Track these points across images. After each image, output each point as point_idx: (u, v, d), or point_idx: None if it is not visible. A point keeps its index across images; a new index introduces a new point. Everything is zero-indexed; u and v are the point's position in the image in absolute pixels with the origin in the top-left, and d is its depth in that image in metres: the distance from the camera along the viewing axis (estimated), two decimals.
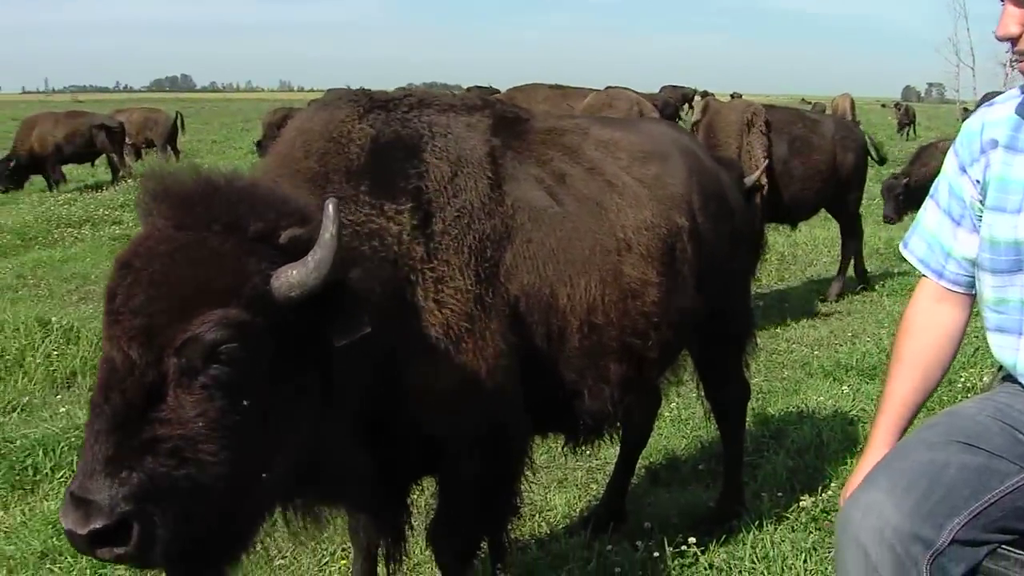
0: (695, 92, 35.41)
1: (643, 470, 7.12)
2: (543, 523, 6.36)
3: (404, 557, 4.87)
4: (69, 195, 23.68)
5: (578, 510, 6.61)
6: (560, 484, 7.07)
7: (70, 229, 18.20)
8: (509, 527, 4.87)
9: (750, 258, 6.40)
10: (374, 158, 4.16)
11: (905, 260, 3.91)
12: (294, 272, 3.14)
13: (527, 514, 6.37)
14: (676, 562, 5.47)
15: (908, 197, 15.55)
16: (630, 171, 5.08)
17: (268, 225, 3.27)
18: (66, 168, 27.79)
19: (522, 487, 4.82)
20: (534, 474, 6.91)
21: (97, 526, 2.84)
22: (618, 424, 5.50)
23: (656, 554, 5.50)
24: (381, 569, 5.14)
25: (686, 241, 5.13)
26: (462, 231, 4.28)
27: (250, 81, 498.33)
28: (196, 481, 3.01)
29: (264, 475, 3.26)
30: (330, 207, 3.14)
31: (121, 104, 44.03)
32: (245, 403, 3.11)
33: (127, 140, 29.78)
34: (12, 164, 25.75)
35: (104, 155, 28.16)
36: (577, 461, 7.14)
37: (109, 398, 2.98)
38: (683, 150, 5.53)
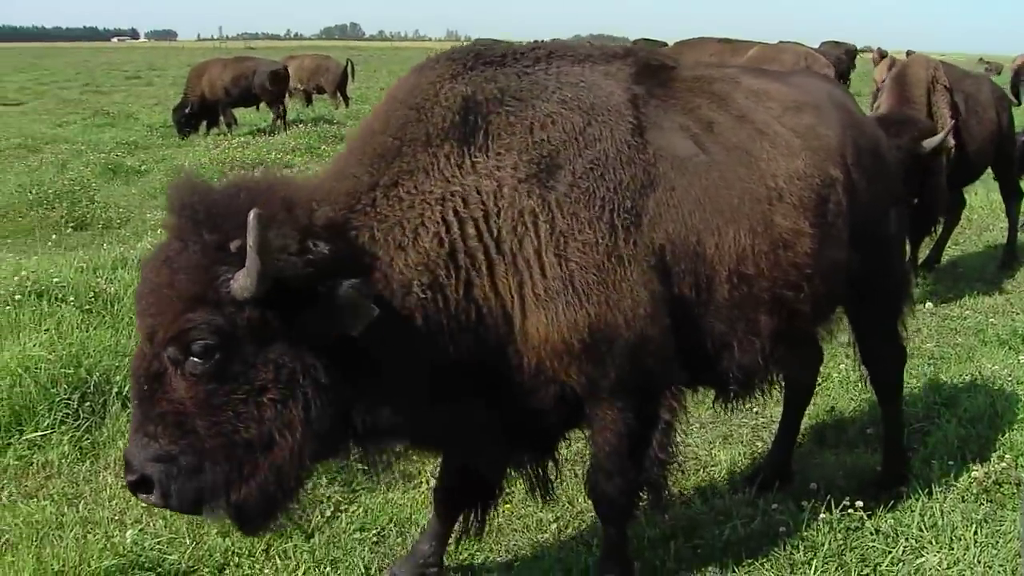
0: (856, 49, 33.58)
1: (809, 430, 7.06)
2: (707, 478, 6.37)
3: (550, 495, 5.08)
4: (243, 138, 24.43)
5: (742, 467, 6.59)
6: (725, 440, 7.06)
7: (243, 171, 18.62)
8: (666, 477, 4.83)
9: (904, 220, 6.09)
10: (465, 117, 4.24)
11: None
12: (239, 278, 3.60)
13: (691, 469, 6.41)
14: (841, 525, 5.40)
15: None
16: (782, 120, 4.99)
17: (221, 236, 3.70)
18: (241, 113, 28.58)
19: (676, 437, 4.78)
20: (700, 428, 7.01)
21: (131, 479, 3.81)
22: (772, 380, 5.44)
23: (821, 516, 5.45)
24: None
25: (840, 193, 5.03)
26: (594, 183, 4.28)
27: (417, 30, 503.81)
28: (196, 448, 3.76)
29: (275, 440, 3.82)
30: (251, 219, 3.45)
31: (291, 51, 44.89)
32: (229, 384, 3.74)
33: (299, 86, 30.42)
34: (187, 111, 26.61)
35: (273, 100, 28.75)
36: (743, 418, 7.12)
37: (137, 380, 3.83)
38: (837, 103, 5.42)
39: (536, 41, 4.87)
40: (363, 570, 5.28)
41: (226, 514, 3.93)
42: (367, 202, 4.10)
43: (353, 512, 5.86)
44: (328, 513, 5.80)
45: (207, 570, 5.26)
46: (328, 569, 5.27)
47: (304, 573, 5.19)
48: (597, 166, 4.31)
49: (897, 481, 6.05)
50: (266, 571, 5.25)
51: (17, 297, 8.58)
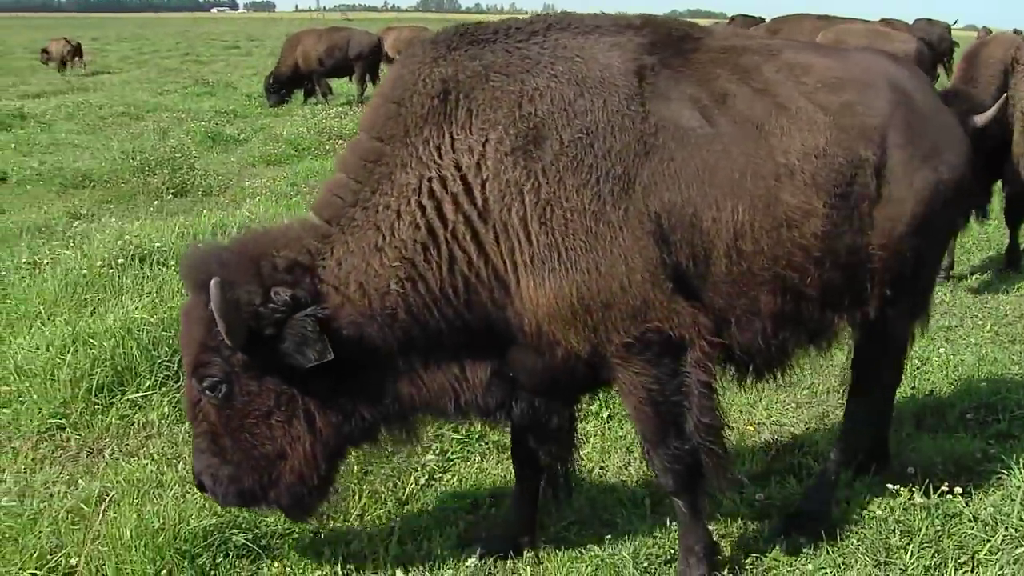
0: (949, 27, 31.96)
1: (908, 414, 6.94)
2: (803, 458, 6.28)
3: (570, 469, 5.24)
4: (340, 108, 24.67)
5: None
6: (821, 419, 6.97)
7: (340, 141, 18.81)
8: (718, 444, 4.71)
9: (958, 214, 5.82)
10: (445, 98, 4.41)
11: None
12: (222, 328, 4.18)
13: (786, 448, 6.35)
14: (939, 511, 5.30)
15: None
16: (813, 96, 4.80)
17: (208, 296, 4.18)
18: (337, 84, 28.82)
19: (718, 400, 4.73)
20: (795, 408, 6.91)
21: (196, 482, 4.72)
22: (780, 363, 5.10)
23: (918, 500, 5.35)
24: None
25: (869, 176, 4.80)
26: (582, 151, 4.34)
27: (513, 3, 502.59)
28: (229, 460, 4.56)
29: (287, 451, 4.51)
30: (211, 287, 4.04)
31: (388, 23, 45.18)
32: (240, 410, 4.47)
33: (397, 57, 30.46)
34: (275, 80, 26.96)
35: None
36: (840, 400, 7.03)
37: (186, 405, 4.72)
38: (892, 83, 5.08)
39: (538, 14, 4.93)
40: (456, 538, 5.33)
41: (269, 509, 4.78)
42: (346, 220, 4.45)
43: (447, 480, 5.92)
44: (423, 481, 5.85)
45: (302, 533, 5.36)
46: (421, 536, 5.32)
47: (397, 540, 5.24)
48: (586, 135, 4.37)
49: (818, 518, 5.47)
50: (359, 537, 5.31)
51: (120, 261, 8.79)
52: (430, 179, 4.36)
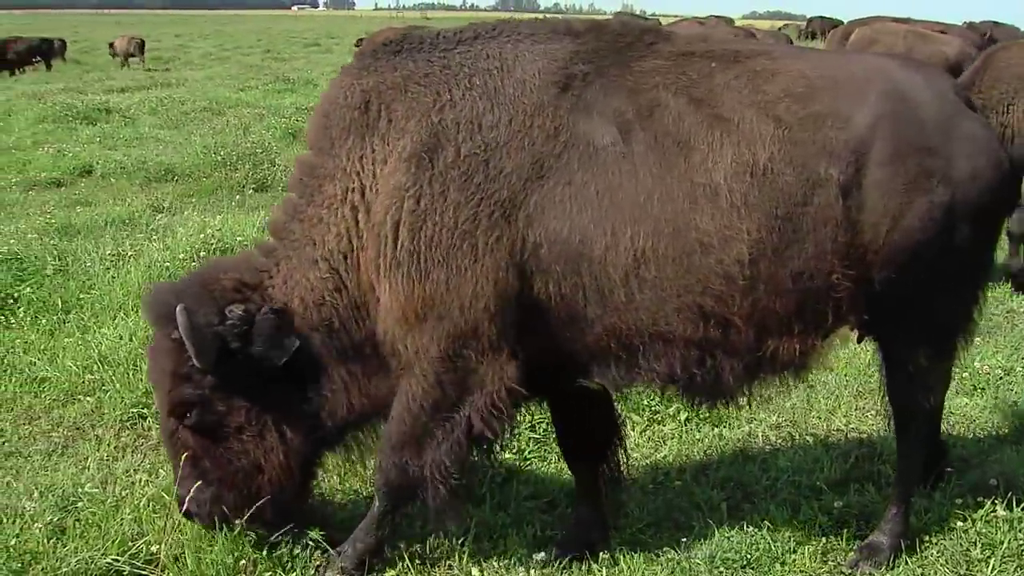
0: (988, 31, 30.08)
1: (990, 425, 6.82)
2: (884, 466, 6.15)
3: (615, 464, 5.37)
4: None
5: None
6: None
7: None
8: (439, 478, 4.69)
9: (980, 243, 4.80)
10: (367, 110, 4.58)
11: None
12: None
13: (865, 456, 6.26)
14: (1022, 524, 5.18)
15: None
16: (770, 106, 4.44)
17: (173, 327, 4.50)
18: None
19: (469, 448, 4.72)
20: (875, 415, 6.80)
21: (182, 511, 4.82)
22: (720, 389, 4.74)
23: (1001, 513, 5.25)
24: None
25: (833, 197, 4.36)
26: (474, 168, 4.34)
27: (592, 3, 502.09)
28: (209, 480, 4.77)
29: (263, 464, 4.76)
30: (177, 315, 4.36)
31: (467, 21, 45.29)
32: (215, 431, 4.72)
33: None
34: None
35: None
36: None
37: (163, 437, 5.01)
38: (887, 92, 4.53)
39: (476, 23, 4.95)
40: (532, 537, 5.32)
41: (254, 522, 4.85)
42: (287, 234, 4.73)
43: (524, 479, 5.91)
44: (499, 480, 5.85)
45: None
46: (497, 535, 5.33)
47: (474, 538, 5.25)
48: (483, 151, 4.37)
49: None
50: (437, 533, 5.30)
51: (202, 254, 8.96)
52: (352, 189, 4.55)
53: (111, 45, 43.96)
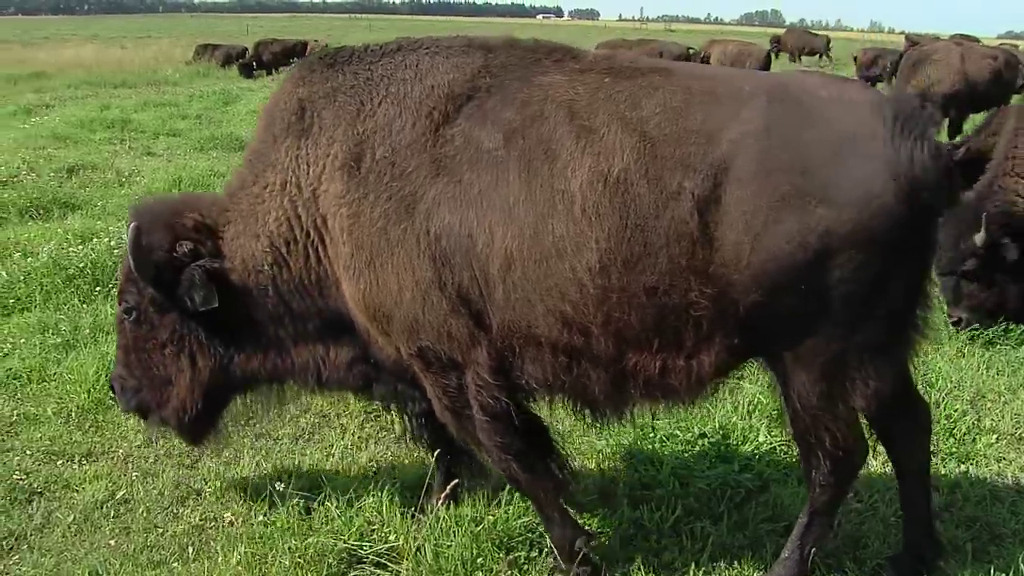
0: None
1: None
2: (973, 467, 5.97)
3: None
4: None
5: None
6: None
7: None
8: (502, 462, 4.88)
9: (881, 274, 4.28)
10: (302, 116, 4.95)
11: None
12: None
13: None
14: None
15: None
16: (641, 121, 4.33)
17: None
18: None
19: (500, 423, 4.77)
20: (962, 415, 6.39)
21: (110, 383, 5.73)
22: (589, 400, 4.71)
23: None
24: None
25: (687, 212, 4.18)
26: (385, 169, 4.64)
27: (840, 20, 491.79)
28: (133, 374, 5.45)
29: (173, 378, 5.32)
30: (129, 231, 4.95)
31: (711, 35, 45.08)
32: (145, 336, 5.32)
33: None
34: None
35: None
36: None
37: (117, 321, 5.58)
38: (763, 109, 4.26)
39: (403, 37, 5.21)
40: (769, 559, 5.20)
41: (161, 426, 5.63)
42: (237, 202, 5.12)
43: (763, 500, 5.79)
44: (738, 499, 5.77)
45: (613, 544, 5.40)
46: (734, 554, 5.26)
47: (709, 555, 5.20)
48: (392, 154, 4.66)
49: None
50: (671, 548, 5.31)
51: None
52: (288, 183, 4.93)
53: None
